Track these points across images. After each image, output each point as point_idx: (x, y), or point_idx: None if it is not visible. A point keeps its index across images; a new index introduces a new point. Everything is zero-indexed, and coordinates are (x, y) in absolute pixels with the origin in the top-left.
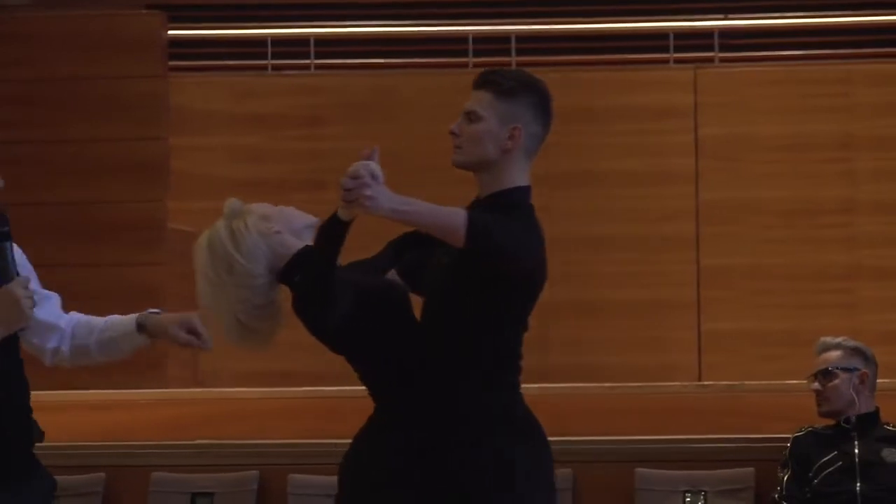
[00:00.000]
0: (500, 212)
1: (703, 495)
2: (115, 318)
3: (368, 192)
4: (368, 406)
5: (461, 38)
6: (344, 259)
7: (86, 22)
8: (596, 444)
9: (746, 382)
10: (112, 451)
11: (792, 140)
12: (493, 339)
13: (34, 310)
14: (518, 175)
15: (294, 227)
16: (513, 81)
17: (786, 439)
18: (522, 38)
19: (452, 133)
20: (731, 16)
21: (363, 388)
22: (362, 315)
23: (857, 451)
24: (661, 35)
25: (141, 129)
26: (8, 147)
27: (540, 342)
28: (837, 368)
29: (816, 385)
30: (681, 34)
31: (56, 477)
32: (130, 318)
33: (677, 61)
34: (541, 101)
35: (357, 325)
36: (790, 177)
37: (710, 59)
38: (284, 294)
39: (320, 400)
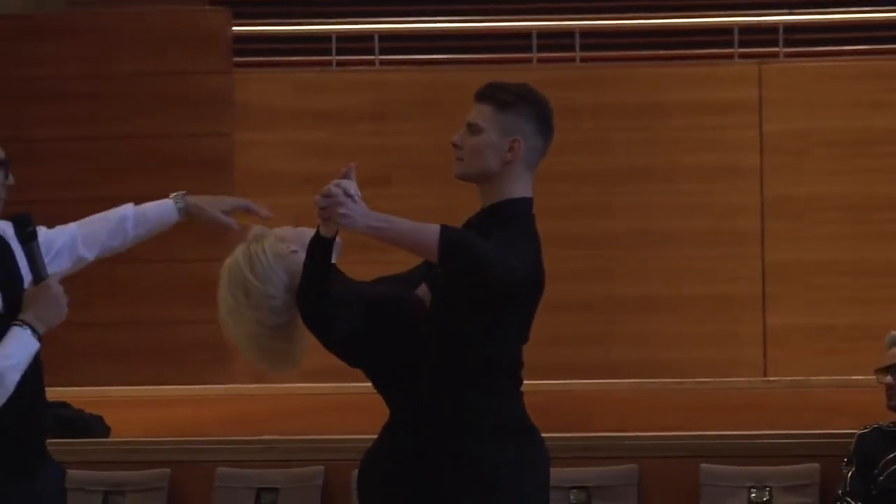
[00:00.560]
0: (497, 223)
1: (769, 491)
2: (142, 213)
3: (342, 210)
4: None
5: (525, 34)
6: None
7: (151, 18)
8: (661, 439)
9: (812, 378)
10: (177, 446)
11: (857, 135)
12: (487, 350)
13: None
14: (518, 187)
15: None
16: (513, 95)
17: (851, 435)
18: (586, 33)
19: (455, 145)
20: (795, 10)
21: None
22: (368, 325)
23: None
24: (726, 30)
25: (206, 124)
26: (74, 143)
27: (604, 338)
28: None
29: (889, 379)
30: (745, 29)
31: (121, 472)
32: (169, 212)
33: (742, 56)
34: (541, 115)
35: (363, 335)
36: (855, 172)
37: (775, 54)
38: None
39: None
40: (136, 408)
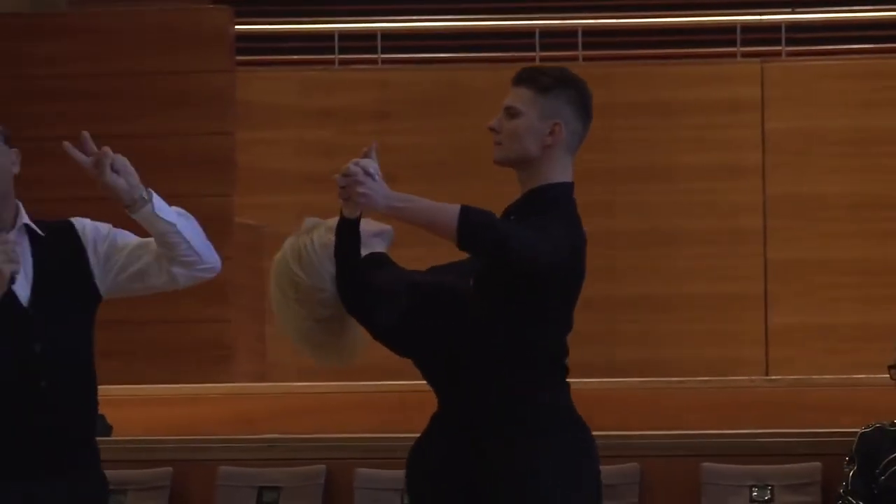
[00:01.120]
0: (536, 208)
1: (770, 490)
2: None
3: (361, 190)
4: (435, 400)
5: (528, 33)
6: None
7: (153, 17)
8: (662, 438)
9: (814, 377)
10: (180, 445)
11: (859, 134)
12: (529, 337)
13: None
14: (558, 171)
15: (361, 236)
16: (552, 78)
17: (853, 433)
18: (589, 32)
19: (492, 129)
20: (798, 9)
21: None
22: (422, 314)
23: None
24: (728, 29)
25: (208, 123)
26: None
27: (606, 337)
28: None
29: None
30: (748, 28)
31: (124, 471)
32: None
33: (744, 55)
34: (581, 98)
35: (415, 325)
36: (857, 171)
37: (778, 53)
38: None
39: (387, 394)
40: (138, 406)
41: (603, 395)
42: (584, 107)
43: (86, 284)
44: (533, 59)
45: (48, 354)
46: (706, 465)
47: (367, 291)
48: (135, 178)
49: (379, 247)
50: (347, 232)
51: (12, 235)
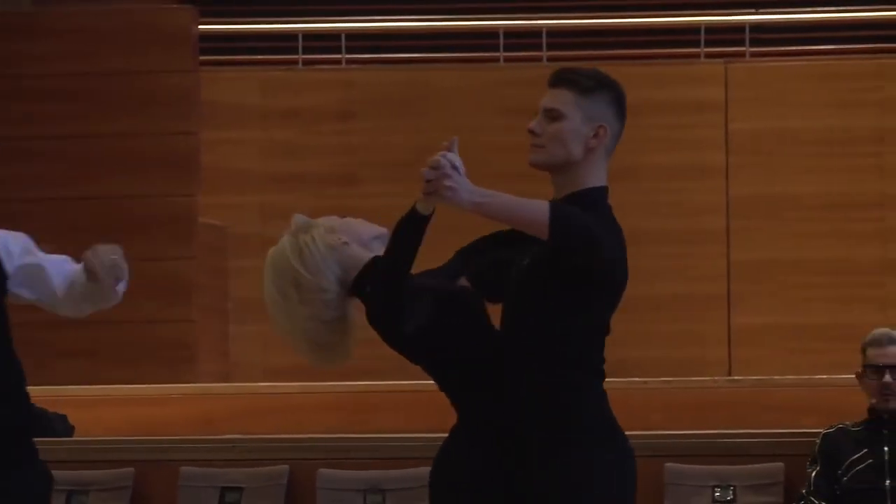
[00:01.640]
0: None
1: (733, 490)
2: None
3: (449, 183)
4: (399, 401)
5: (492, 33)
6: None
7: (117, 17)
8: None
9: (776, 377)
10: (142, 445)
11: (823, 135)
12: (577, 342)
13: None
14: (597, 175)
15: (362, 238)
16: (592, 80)
17: (816, 434)
18: (553, 32)
19: (532, 132)
20: (761, 10)
21: (393, 383)
22: (441, 321)
23: (886, 448)
24: (693, 29)
25: (172, 123)
26: (39, 142)
27: None
28: None
29: (888, 378)
30: (712, 28)
31: (86, 471)
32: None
33: (708, 56)
34: (619, 99)
35: (436, 332)
36: (821, 172)
37: (741, 54)
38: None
39: (350, 395)
40: (101, 407)
41: None
42: (621, 108)
43: None
44: (497, 60)
45: None
46: (669, 465)
47: (402, 294)
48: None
49: (378, 250)
50: (414, 229)
51: None
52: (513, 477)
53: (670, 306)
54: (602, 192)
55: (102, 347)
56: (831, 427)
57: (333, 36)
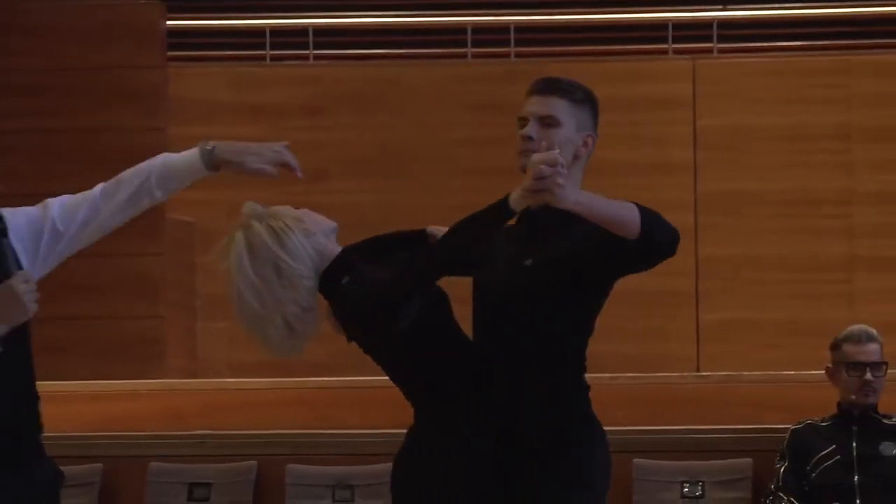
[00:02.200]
0: (574, 219)
1: (701, 486)
2: (165, 164)
3: (561, 181)
4: (368, 397)
5: (460, 29)
6: None
7: (84, 13)
8: None
9: (744, 373)
10: (110, 441)
11: (790, 131)
12: (575, 342)
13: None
14: (578, 181)
15: (325, 229)
16: (581, 91)
17: (784, 429)
18: (521, 28)
19: (528, 137)
20: (729, 7)
21: (360, 378)
22: (430, 318)
23: (854, 444)
24: (660, 25)
25: (140, 119)
26: (5, 136)
27: None
28: (884, 361)
29: (869, 376)
30: (679, 25)
31: None
32: (193, 161)
33: (676, 52)
34: (597, 112)
35: (425, 328)
36: (788, 167)
37: (709, 50)
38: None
39: (319, 390)
40: (69, 402)
41: None
42: (597, 120)
43: None
44: (465, 56)
45: None
46: (637, 461)
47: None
48: None
49: (334, 243)
50: (495, 224)
51: None
52: (513, 477)
53: (637, 302)
54: None
55: (70, 343)
56: (800, 423)
57: (301, 32)
